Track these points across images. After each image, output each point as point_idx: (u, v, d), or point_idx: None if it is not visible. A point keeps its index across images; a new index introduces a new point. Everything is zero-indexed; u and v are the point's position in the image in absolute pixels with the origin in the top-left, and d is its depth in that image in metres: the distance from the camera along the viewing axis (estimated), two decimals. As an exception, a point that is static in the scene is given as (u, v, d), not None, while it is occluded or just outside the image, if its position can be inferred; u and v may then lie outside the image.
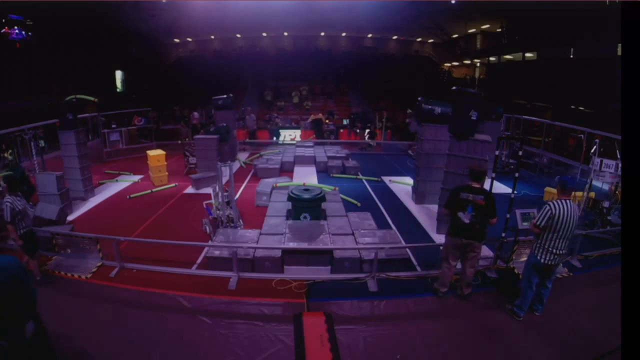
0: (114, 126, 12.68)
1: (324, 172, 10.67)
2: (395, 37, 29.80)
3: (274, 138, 15.32)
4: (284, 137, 15.53)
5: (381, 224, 6.69)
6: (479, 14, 21.26)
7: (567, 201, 3.93)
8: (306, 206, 6.27)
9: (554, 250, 3.98)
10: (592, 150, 7.32)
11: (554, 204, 3.92)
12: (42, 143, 9.61)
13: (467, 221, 4.28)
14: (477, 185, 4.33)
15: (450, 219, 4.52)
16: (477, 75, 26.77)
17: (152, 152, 9.48)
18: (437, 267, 5.30)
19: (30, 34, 15.58)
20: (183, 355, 3.72)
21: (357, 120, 16.87)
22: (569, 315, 4.36)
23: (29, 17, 15.35)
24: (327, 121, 16.56)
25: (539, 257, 4.06)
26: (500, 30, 23.18)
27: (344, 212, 6.81)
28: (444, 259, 4.63)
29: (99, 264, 5.35)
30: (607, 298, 4.55)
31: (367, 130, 15.55)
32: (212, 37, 28.89)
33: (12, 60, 15.00)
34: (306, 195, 6.27)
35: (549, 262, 4.02)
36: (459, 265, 4.69)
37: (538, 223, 3.99)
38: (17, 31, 15.17)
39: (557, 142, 11.30)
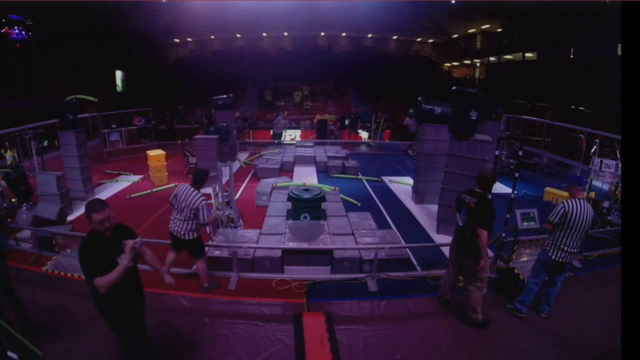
0: (114, 126, 12.68)
1: (324, 172, 10.67)
2: (395, 37, 29.81)
3: (275, 140, 15.30)
4: (284, 137, 15.52)
5: (381, 224, 6.69)
6: (479, 14, 21.27)
7: (581, 200, 3.98)
8: (306, 206, 6.27)
9: (566, 248, 4.01)
10: (592, 150, 7.32)
11: (568, 202, 3.96)
12: (45, 143, 9.61)
13: (460, 223, 4.21)
14: (479, 191, 4.03)
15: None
16: (477, 75, 26.77)
17: (152, 152, 9.48)
18: (437, 267, 5.32)
19: (30, 34, 15.60)
20: (183, 355, 3.71)
21: (359, 119, 16.87)
22: (569, 315, 4.36)
23: (29, 17, 15.37)
24: (330, 121, 16.56)
25: (550, 254, 4.09)
26: (500, 30, 23.19)
27: (344, 212, 6.81)
28: (449, 260, 4.57)
29: (99, 264, 5.35)
30: (607, 298, 4.55)
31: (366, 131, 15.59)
32: (212, 37, 28.91)
33: (12, 60, 15.00)
34: (306, 195, 6.26)
35: (560, 260, 4.05)
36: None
37: (551, 220, 4.02)
38: (17, 31, 15.20)
39: (557, 142, 11.30)
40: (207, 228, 6.34)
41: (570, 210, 3.91)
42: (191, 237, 4.46)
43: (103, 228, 2.75)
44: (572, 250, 4.03)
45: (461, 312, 4.26)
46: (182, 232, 4.43)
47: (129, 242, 2.76)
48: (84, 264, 2.70)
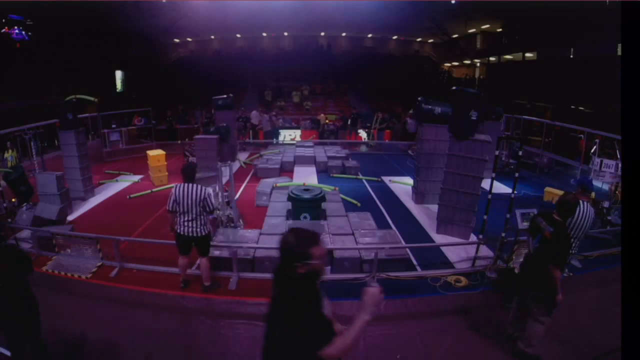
0: (114, 126, 12.68)
1: (324, 172, 10.67)
2: (395, 37, 29.79)
3: (274, 139, 15.31)
4: (284, 137, 15.52)
5: (381, 224, 6.69)
6: (479, 14, 21.26)
7: (585, 202, 3.99)
8: (306, 206, 6.28)
9: None
10: (592, 150, 7.32)
11: None
12: (45, 143, 9.63)
13: (530, 249, 3.91)
14: (557, 218, 3.57)
15: None
16: (477, 75, 26.76)
17: (152, 152, 9.48)
18: (436, 267, 5.32)
19: (30, 34, 15.60)
20: (183, 355, 3.71)
21: (360, 119, 16.88)
22: (569, 315, 4.35)
23: (29, 17, 15.37)
24: (327, 121, 16.56)
25: None
26: (500, 30, 23.19)
27: (344, 212, 6.81)
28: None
29: (99, 264, 5.35)
30: (607, 298, 4.54)
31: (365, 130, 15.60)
32: (212, 37, 28.88)
33: (12, 60, 14.99)
34: (306, 195, 6.27)
35: None
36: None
37: None
38: (17, 31, 15.20)
39: (557, 142, 11.28)
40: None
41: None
42: (204, 232, 4.51)
43: (321, 267, 1.86)
44: (571, 251, 4.03)
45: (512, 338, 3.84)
46: (195, 230, 4.45)
47: (373, 290, 1.86)
48: (306, 329, 1.73)
